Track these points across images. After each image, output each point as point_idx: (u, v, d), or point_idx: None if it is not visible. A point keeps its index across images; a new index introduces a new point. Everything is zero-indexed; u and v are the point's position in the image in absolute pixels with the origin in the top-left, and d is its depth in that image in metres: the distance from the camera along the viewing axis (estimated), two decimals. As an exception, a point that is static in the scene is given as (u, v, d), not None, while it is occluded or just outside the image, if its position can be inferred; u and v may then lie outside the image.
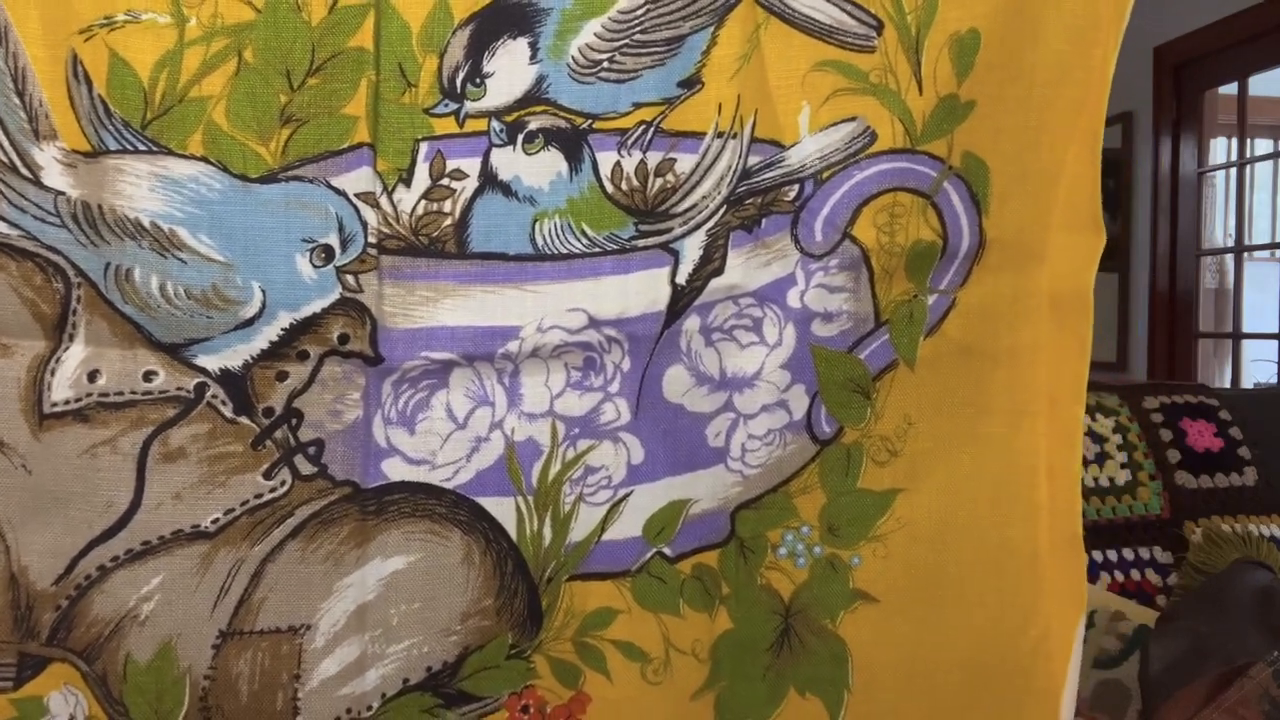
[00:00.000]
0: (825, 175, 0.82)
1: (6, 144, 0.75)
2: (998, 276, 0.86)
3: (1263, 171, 3.90)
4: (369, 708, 0.81)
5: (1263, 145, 3.94)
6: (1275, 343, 3.37)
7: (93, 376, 0.77)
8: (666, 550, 0.85)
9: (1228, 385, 3.62)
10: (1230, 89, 3.35)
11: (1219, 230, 3.78)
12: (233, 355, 0.78)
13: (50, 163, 0.76)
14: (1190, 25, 3.30)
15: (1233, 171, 3.53)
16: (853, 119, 0.82)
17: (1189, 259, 3.55)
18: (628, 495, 0.83)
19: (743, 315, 0.84)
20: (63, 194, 0.76)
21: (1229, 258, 3.63)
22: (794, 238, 0.83)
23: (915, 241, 0.84)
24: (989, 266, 0.86)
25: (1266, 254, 4.36)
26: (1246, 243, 3.49)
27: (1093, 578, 1.41)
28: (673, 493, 0.84)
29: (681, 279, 0.82)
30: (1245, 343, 3.60)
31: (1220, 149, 3.70)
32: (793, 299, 0.84)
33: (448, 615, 0.82)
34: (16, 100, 0.75)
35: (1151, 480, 1.48)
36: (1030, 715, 0.90)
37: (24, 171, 0.75)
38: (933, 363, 0.86)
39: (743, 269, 0.82)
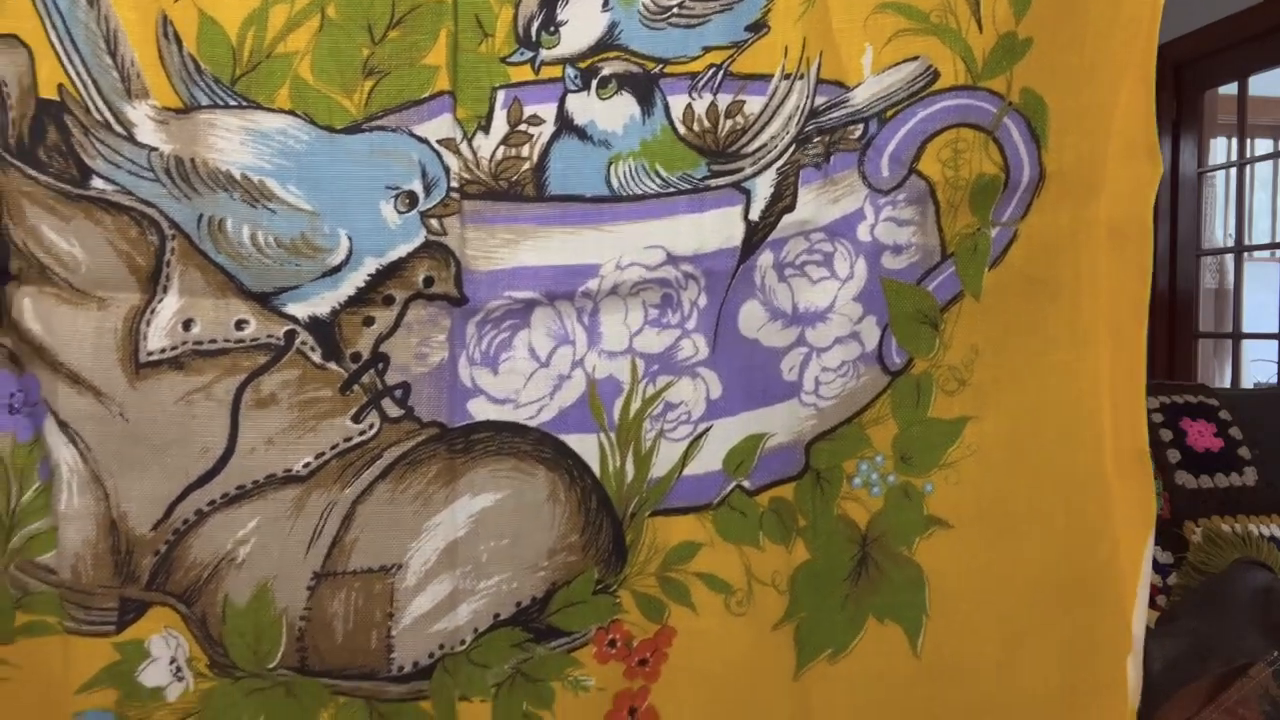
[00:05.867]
0: (889, 114, 0.78)
1: (100, 103, 0.72)
2: (1057, 208, 0.82)
3: (1263, 171, 3.73)
4: (462, 642, 0.77)
5: (1263, 145, 3.76)
6: (1275, 343, 3.25)
7: (187, 325, 0.73)
8: (745, 483, 0.80)
9: (1228, 385, 3.49)
10: (1230, 89, 3.24)
11: (1219, 230, 3.61)
12: (320, 302, 0.74)
13: (143, 120, 0.72)
14: (1190, 25, 3.20)
15: (1233, 171, 3.38)
16: (915, 58, 0.77)
17: (1189, 259, 3.37)
18: (707, 430, 0.79)
19: (814, 250, 0.79)
20: (156, 150, 0.72)
21: (1229, 258, 3.45)
22: (861, 174, 0.78)
23: (978, 175, 0.79)
24: (1048, 198, 0.82)
25: (1266, 254, 4.18)
26: (1246, 243, 3.32)
27: (1093, 578, 1.36)
28: (750, 426, 0.80)
29: (755, 215, 0.77)
30: (1245, 343, 3.40)
31: (1220, 149, 3.51)
32: (862, 233, 0.79)
33: (535, 551, 0.77)
34: (109, 61, 0.72)
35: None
36: (1102, 631, 0.85)
37: (118, 129, 0.71)
38: (997, 293, 0.82)
39: (813, 205, 0.78)
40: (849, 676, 0.83)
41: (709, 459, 0.79)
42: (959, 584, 0.83)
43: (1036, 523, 0.84)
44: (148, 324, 0.72)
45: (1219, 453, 1.45)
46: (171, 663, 0.75)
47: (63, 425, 0.71)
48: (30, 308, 0.71)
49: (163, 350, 0.72)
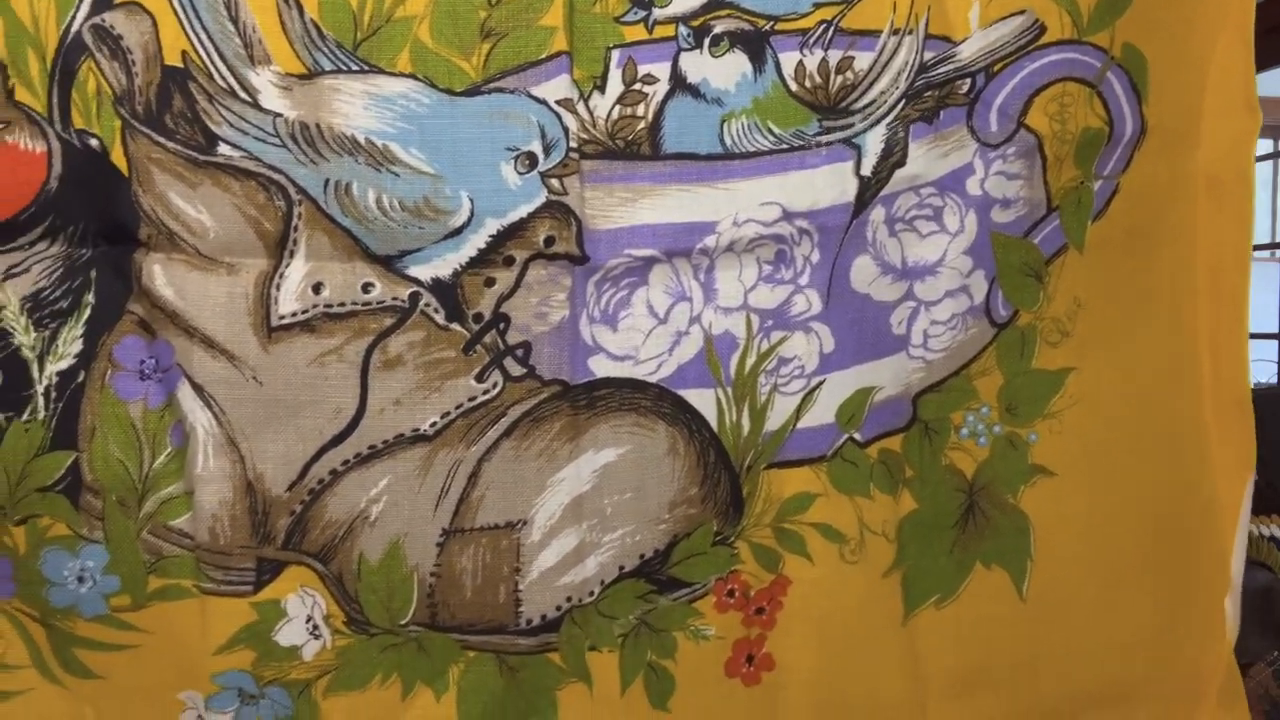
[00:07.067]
0: (996, 68, 0.77)
1: (224, 69, 0.71)
2: (1156, 161, 0.81)
3: (1263, 171, 3.72)
4: (590, 594, 0.77)
5: (1263, 145, 3.79)
6: (1275, 343, 3.24)
7: (317, 289, 0.72)
8: (857, 435, 0.80)
9: (1228, 385, 3.44)
10: (1230, 89, 3.21)
11: (1219, 229, 3.64)
12: (443, 264, 0.74)
13: (266, 86, 0.72)
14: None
15: (1233, 172, 3.40)
16: (1021, 12, 0.76)
17: (1189, 261, 3.36)
18: (820, 383, 0.78)
19: (924, 205, 0.79)
20: (280, 115, 0.71)
21: (1229, 258, 3.48)
22: (970, 128, 0.78)
23: (1084, 129, 0.79)
24: (1148, 152, 0.81)
25: (1266, 254, 4.23)
26: (1246, 243, 3.36)
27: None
28: (860, 380, 0.79)
29: (867, 171, 0.76)
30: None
31: (1221, 148, 3.56)
32: (972, 187, 0.79)
33: (657, 504, 0.77)
34: (231, 27, 0.71)
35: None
36: (1201, 573, 0.87)
37: (243, 95, 0.71)
38: (1100, 246, 0.81)
39: (924, 160, 0.77)
40: (955, 620, 0.83)
41: (822, 412, 0.79)
42: (1062, 529, 0.84)
43: (1136, 469, 0.84)
44: (278, 288, 0.72)
45: (1219, 453, 1.45)
46: (308, 621, 0.75)
47: (198, 389, 0.71)
48: (161, 274, 0.71)
49: (294, 314, 0.72)
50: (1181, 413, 0.83)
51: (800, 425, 0.79)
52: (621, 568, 0.77)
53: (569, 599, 0.77)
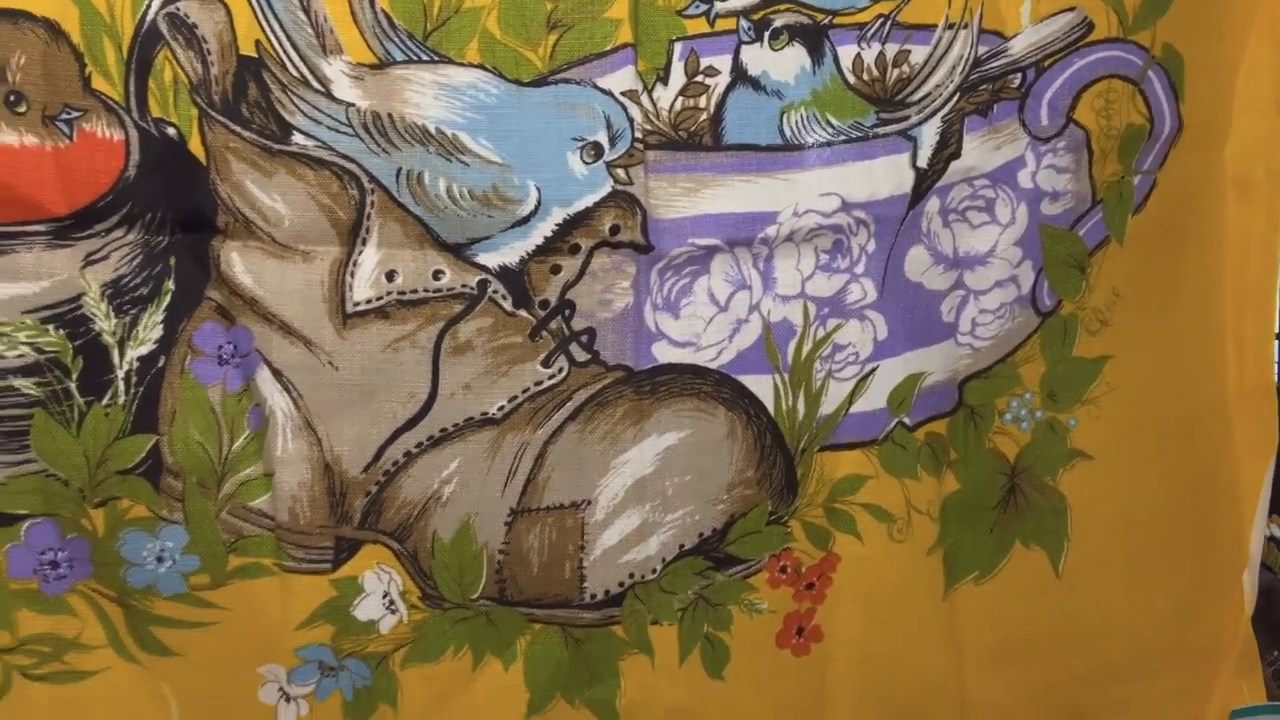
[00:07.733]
0: (1047, 63, 0.79)
1: (297, 59, 0.72)
2: (1189, 158, 0.84)
3: None
4: (653, 571, 0.80)
5: None
6: (1275, 343, 3.25)
7: (391, 276, 0.74)
8: (906, 420, 0.83)
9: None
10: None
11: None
12: (510, 252, 0.75)
13: (339, 76, 0.72)
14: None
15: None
16: (1071, 9, 0.78)
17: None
18: (873, 370, 0.81)
19: (976, 196, 0.80)
20: (353, 105, 0.72)
21: (1230, 258, 3.46)
22: (1022, 122, 0.80)
23: (1128, 125, 0.81)
24: (1183, 149, 0.84)
25: None
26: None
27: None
28: (910, 366, 0.82)
29: (923, 162, 0.78)
30: (1246, 342, 3.44)
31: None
32: (1024, 179, 0.81)
33: (715, 485, 0.80)
34: (303, 16, 0.72)
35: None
36: (1221, 550, 0.91)
37: (315, 85, 0.71)
38: (1138, 239, 0.84)
39: (978, 152, 0.79)
40: (993, 596, 0.87)
41: (875, 397, 0.81)
42: (1097, 510, 0.87)
43: (1164, 452, 0.88)
44: (352, 275, 0.74)
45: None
46: (384, 597, 0.77)
47: (277, 374, 0.73)
48: (239, 261, 0.72)
49: (369, 300, 0.73)
50: (1206, 400, 0.87)
51: (853, 410, 0.81)
52: (682, 546, 0.80)
53: (631, 575, 0.79)
